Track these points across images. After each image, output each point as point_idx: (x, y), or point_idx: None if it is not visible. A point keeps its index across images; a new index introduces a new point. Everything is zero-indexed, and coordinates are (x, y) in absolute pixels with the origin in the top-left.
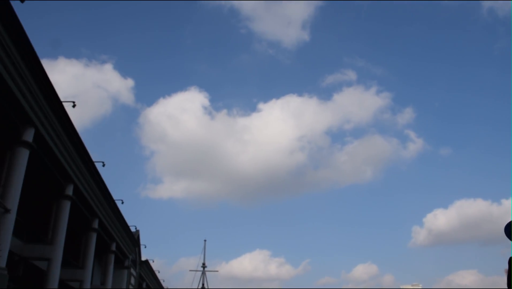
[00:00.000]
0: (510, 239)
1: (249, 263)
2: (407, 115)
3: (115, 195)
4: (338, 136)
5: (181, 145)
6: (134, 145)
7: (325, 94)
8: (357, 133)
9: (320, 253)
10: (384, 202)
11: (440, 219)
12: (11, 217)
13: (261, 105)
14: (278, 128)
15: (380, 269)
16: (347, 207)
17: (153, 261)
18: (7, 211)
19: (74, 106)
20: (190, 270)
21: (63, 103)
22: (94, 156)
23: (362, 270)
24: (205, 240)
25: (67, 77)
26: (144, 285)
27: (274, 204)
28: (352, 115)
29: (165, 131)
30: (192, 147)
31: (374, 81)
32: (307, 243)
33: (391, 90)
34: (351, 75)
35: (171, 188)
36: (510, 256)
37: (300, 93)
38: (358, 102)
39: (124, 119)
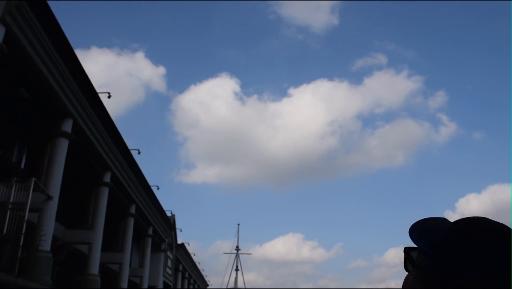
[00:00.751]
0: (414, 243)
1: (282, 246)
2: (439, 98)
3: (150, 181)
4: (369, 120)
5: (213, 131)
6: (167, 131)
7: (356, 78)
8: (388, 117)
9: (352, 237)
10: (416, 187)
11: (473, 203)
12: (54, 204)
13: (291, 90)
14: (309, 113)
15: None
16: (378, 192)
17: (188, 244)
18: (49, 198)
19: (109, 96)
20: (224, 253)
21: (99, 94)
22: (129, 144)
23: (394, 254)
24: (238, 224)
25: (100, 66)
26: (180, 268)
27: (306, 189)
28: (383, 99)
29: (197, 117)
30: (224, 133)
31: (405, 65)
32: (339, 227)
33: (422, 73)
34: (382, 58)
35: (204, 173)
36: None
37: (330, 78)
38: (389, 86)
39: (157, 106)
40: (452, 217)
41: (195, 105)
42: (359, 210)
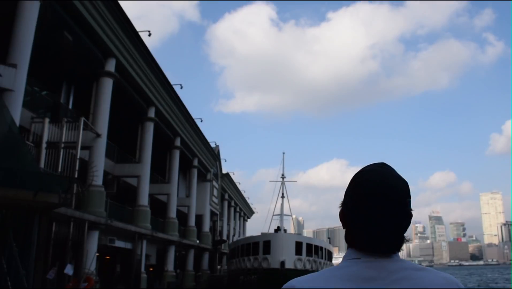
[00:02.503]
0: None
1: (326, 172)
2: (486, 16)
3: (192, 113)
4: (411, 42)
5: (250, 59)
6: (204, 62)
7: None
8: (431, 39)
9: (396, 160)
10: (461, 109)
11: None
12: (102, 141)
13: (330, 14)
14: (348, 37)
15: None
16: (423, 114)
17: (233, 174)
18: (98, 136)
19: (149, 35)
20: (270, 181)
21: (139, 33)
22: (168, 76)
23: (439, 178)
24: (283, 153)
25: None
26: (226, 196)
27: (347, 114)
28: (426, 20)
29: (233, 46)
30: (262, 60)
31: None
32: (383, 152)
33: None
34: None
35: (243, 102)
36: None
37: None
38: (432, 6)
39: (191, 37)
40: (498, 140)
41: (230, 34)
42: (403, 133)
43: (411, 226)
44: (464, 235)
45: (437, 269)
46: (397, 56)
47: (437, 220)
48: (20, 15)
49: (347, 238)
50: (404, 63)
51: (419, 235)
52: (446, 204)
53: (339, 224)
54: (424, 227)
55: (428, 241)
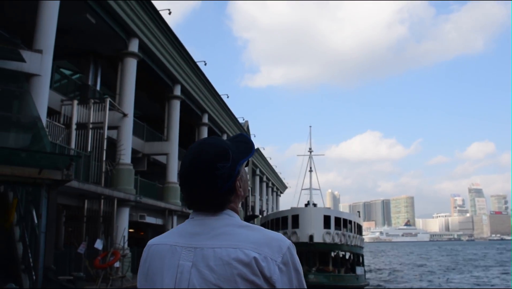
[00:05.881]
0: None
1: (359, 145)
2: None
3: (217, 89)
4: (441, 4)
5: (273, 31)
6: (227, 37)
7: None
8: None
9: (432, 132)
10: (498, 74)
11: None
12: (129, 120)
13: None
14: (374, 1)
15: (497, 147)
16: (457, 81)
17: (263, 149)
18: (125, 115)
19: (170, 13)
20: (297, 155)
21: (160, 12)
22: (191, 52)
23: (478, 149)
24: (310, 126)
25: None
26: (257, 172)
27: (377, 83)
28: None
29: (254, 18)
30: (285, 32)
31: None
32: (419, 123)
33: None
34: None
35: (269, 76)
36: None
37: None
38: None
39: (213, 10)
40: None
41: (251, 5)
42: (436, 102)
43: (450, 199)
44: (506, 208)
45: (477, 242)
46: (427, 19)
47: (477, 192)
48: (43, 2)
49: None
50: (435, 27)
51: (458, 208)
52: (486, 176)
53: (375, 198)
54: (463, 200)
55: (468, 215)
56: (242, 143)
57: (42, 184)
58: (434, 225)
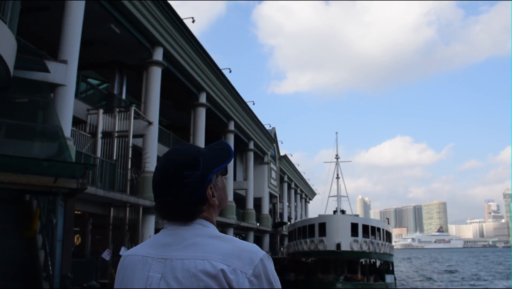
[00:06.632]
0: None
1: (389, 150)
2: None
3: (243, 96)
4: (470, 6)
5: (299, 36)
6: (252, 44)
7: None
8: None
9: (464, 136)
10: None
11: None
12: (154, 129)
13: None
14: (400, 4)
15: None
16: (488, 83)
17: (291, 156)
18: (150, 124)
19: (193, 21)
20: (324, 162)
21: (184, 20)
22: (217, 60)
23: None
24: (336, 133)
25: None
26: (285, 178)
27: (405, 87)
28: None
29: (280, 24)
30: (311, 37)
31: None
32: (450, 127)
33: None
34: None
35: (295, 82)
36: None
37: None
38: None
39: (238, 18)
40: None
41: (276, 11)
42: (467, 106)
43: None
44: None
45: None
46: (455, 21)
47: None
48: (68, 13)
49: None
50: (464, 28)
51: (492, 214)
52: None
53: (406, 204)
54: (498, 206)
55: (503, 220)
56: (218, 150)
57: (58, 193)
58: (468, 231)
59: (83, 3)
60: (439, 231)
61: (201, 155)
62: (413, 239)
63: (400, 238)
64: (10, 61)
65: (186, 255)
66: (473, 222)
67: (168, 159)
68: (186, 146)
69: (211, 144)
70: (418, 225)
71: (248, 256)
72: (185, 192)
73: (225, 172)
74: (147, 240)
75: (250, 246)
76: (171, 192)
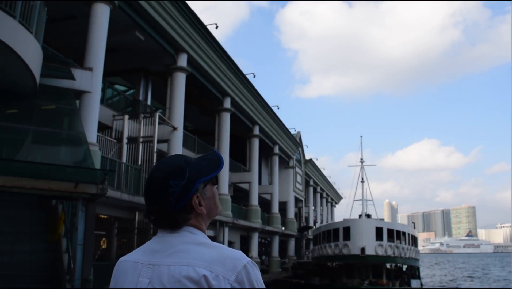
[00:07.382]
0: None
1: (416, 153)
2: None
3: (268, 100)
4: (496, 5)
5: (322, 40)
6: (276, 49)
7: None
8: None
9: (493, 138)
10: None
11: None
12: (179, 134)
13: None
14: (426, 5)
15: None
16: None
17: (316, 160)
18: (174, 129)
19: (216, 27)
20: (349, 166)
21: (207, 26)
22: (241, 65)
23: None
24: (361, 136)
25: None
26: (311, 182)
27: (431, 89)
28: None
29: (303, 28)
30: (335, 40)
31: None
32: (478, 129)
33: None
34: None
35: (320, 86)
36: None
37: None
38: None
39: (262, 23)
40: None
41: (299, 15)
42: (496, 107)
43: None
44: None
45: None
46: (482, 21)
47: None
48: (93, 22)
49: None
50: (490, 29)
51: None
52: None
53: (434, 207)
54: None
55: None
56: (207, 161)
57: (78, 198)
58: (498, 236)
59: (108, 12)
60: (468, 235)
61: (188, 165)
62: (441, 244)
63: (428, 242)
64: (37, 70)
65: (172, 262)
66: (503, 227)
67: (156, 169)
68: (175, 156)
69: (203, 155)
70: (447, 230)
71: (231, 263)
72: (170, 201)
73: (215, 182)
74: (140, 246)
75: (234, 253)
76: (157, 200)
